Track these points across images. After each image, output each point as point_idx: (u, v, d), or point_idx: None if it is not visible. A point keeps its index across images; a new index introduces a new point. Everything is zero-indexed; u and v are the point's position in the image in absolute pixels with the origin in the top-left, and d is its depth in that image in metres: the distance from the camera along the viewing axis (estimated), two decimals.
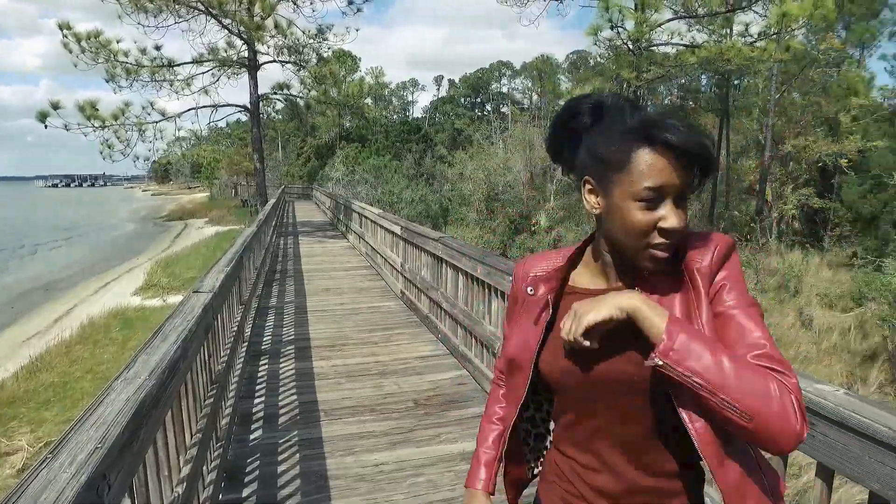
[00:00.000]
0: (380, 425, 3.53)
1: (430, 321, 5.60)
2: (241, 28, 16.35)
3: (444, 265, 5.12)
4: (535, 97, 68.35)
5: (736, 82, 24.74)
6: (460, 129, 51.44)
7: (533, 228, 17.87)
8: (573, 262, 1.07)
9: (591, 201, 0.96)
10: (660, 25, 15.98)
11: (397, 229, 7.18)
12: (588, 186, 0.96)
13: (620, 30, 15.86)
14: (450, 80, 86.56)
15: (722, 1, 15.91)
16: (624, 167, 0.89)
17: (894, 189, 14.66)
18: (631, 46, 16.32)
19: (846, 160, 18.10)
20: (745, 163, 22.56)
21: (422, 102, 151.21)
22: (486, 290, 4.02)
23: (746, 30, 16.75)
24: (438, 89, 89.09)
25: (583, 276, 1.05)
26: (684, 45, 16.44)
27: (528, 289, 1.09)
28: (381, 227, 8.56)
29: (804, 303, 12.05)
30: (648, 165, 0.88)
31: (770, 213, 19.13)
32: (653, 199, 0.88)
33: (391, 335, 5.54)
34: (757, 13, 16.54)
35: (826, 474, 1.44)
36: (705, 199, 21.70)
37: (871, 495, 1.30)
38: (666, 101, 36.24)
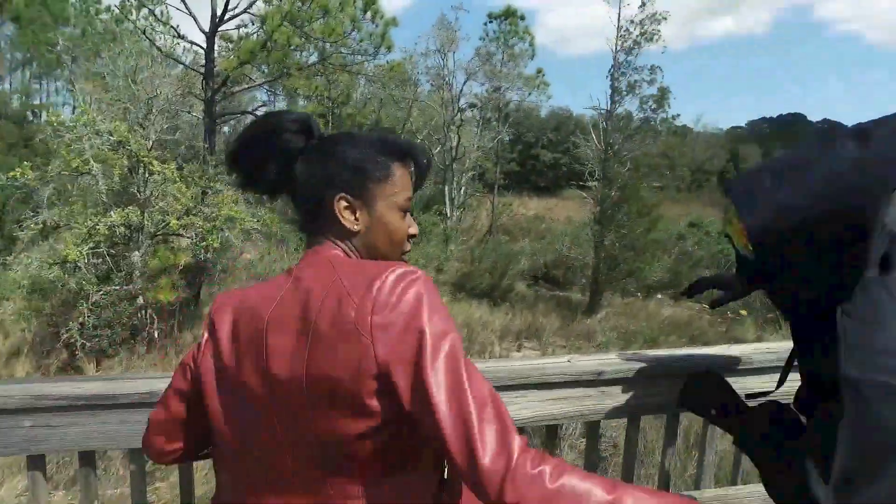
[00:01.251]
0: None
1: None
2: None
3: None
4: None
5: None
6: None
7: None
8: None
9: (350, 218, 0.97)
10: None
11: None
12: (344, 203, 0.96)
13: None
14: None
15: None
16: (387, 180, 0.98)
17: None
18: None
19: None
20: None
21: None
22: None
23: None
24: None
25: None
26: None
27: None
28: None
29: None
30: (404, 180, 1.01)
31: None
32: (406, 210, 1.01)
33: None
34: None
35: None
36: None
37: None
38: None
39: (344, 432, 0.84)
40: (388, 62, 15.80)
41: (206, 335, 0.99)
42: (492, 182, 23.62)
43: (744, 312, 10.88)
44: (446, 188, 20.50)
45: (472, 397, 0.80)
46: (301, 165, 0.98)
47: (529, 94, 23.30)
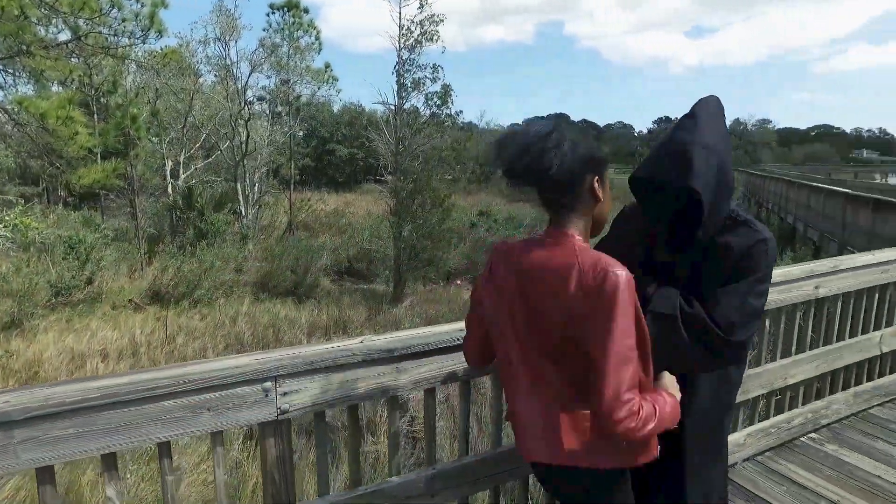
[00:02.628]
0: None
1: None
2: None
3: None
4: None
5: None
6: None
7: None
8: None
9: (599, 194, 1.39)
10: None
11: None
12: (597, 184, 1.39)
13: None
14: None
15: None
16: (607, 167, 1.44)
17: None
18: None
19: None
20: None
21: None
22: None
23: None
24: None
25: None
26: None
27: None
28: None
29: None
30: None
31: None
32: None
33: None
34: None
35: None
36: None
37: None
38: None
39: (574, 344, 1.32)
40: (162, 48, 14.37)
41: (487, 272, 1.46)
42: (287, 178, 22.87)
43: None
44: (239, 185, 19.38)
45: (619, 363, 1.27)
46: (555, 152, 1.31)
47: (319, 88, 22.99)
